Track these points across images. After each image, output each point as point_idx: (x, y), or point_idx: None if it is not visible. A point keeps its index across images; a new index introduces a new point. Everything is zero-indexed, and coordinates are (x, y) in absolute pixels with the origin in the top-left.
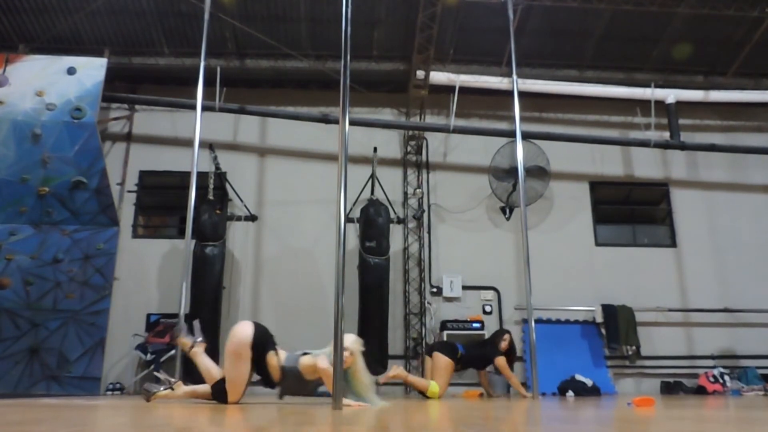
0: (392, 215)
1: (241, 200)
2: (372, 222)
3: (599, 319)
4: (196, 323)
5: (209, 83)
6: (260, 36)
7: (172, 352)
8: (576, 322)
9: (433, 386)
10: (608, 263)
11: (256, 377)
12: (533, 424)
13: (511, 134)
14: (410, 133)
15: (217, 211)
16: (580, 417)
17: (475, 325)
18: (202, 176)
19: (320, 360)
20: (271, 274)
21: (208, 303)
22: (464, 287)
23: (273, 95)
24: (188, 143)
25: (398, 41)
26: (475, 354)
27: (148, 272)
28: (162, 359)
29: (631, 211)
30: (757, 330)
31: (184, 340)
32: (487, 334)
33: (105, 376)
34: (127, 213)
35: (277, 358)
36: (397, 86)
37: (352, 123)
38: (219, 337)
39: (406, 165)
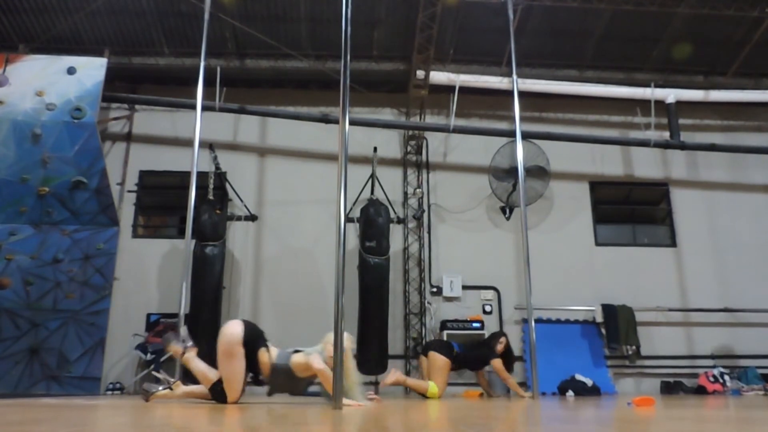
0: (392, 215)
1: (241, 200)
2: (372, 222)
3: (599, 319)
4: (184, 329)
5: (209, 83)
6: (260, 36)
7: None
8: (576, 322)
9: (432, 387)
10: (608, 263)
11: (250, 376)
12: (533, 424)
13: (511, 134)
14: (410, 133)
15: (217, 211)
16: (580, 417)
17: (475, 325)
18: (202, 176)
19: (314, 360)
20: (271, 274)
21: (208, 303)
22: (464, 287)
23: (273, 95)
24: (188, 143)
25: (398, 41)
26: (471, 355)
27: (148, 272)
28: (162, 359)
29: (631, 211)
30: (757, 330)
31: (175, 348)
32: (487, 333)
33: (105, 376)
34: (127, 213)
35: (268, 355)
36: (397, 86)
37: (352, 123)
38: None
39: (406, 165)
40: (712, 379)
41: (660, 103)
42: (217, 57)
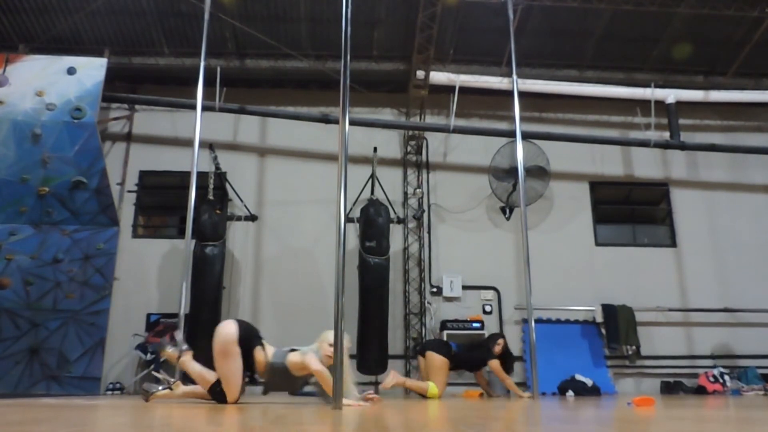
0: (392, 215)
1: (241, 200)
2: (372, 222)
3: (599, 319)
4: (177, 333)
5: (209, 83)
6: (260, 36)
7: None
8: (576, 322)
9: (432, 387)
10: (608, 263)
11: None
12: (533, 424)
13: (511, 134)
14: (410, 133)
15: (217, 211)
16: (580, 417)
17: (475, 325)
18: (202, 176)
19: (310, 360)
20: (271, 274)
21: (208, 303)
22: (464, 287)
23: (273, 95)
24: (188, 143)
25: (398, 41)
26: (469, 356)
27: (148, 272)
28: (162, 359)
29: (631, 211)
30: (757, 330)
31: (170, 353)
32: (487, 333)
33: (105, 376)
34: (127, 213)
35: (264, 354)
36: (397, 86)
37: (352, 123)
38: None
39: (406, 165)
40: (712, 379)
41: (660, 103)
42: (217, 57)
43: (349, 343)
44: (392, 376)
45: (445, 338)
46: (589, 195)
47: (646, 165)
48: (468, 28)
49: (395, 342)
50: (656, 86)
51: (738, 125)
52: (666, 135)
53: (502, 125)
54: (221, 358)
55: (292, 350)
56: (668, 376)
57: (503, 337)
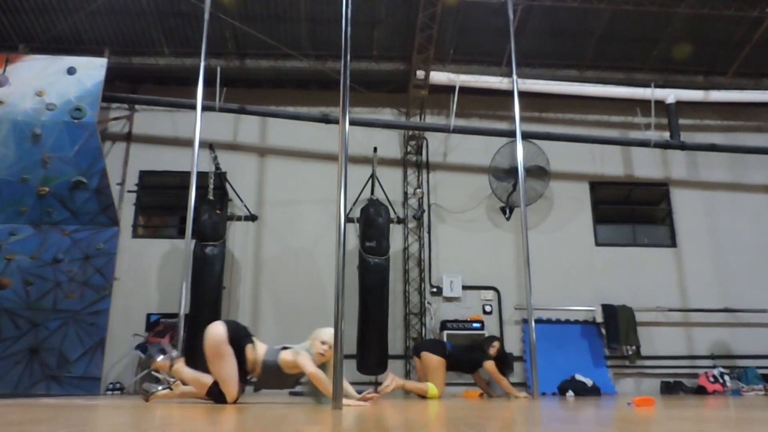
0: (392, 215)
1: (241, 200)
2: (372, 222)
3: (599, 319)
4: (164, 342)
5: (209, 83)
6: (260, 36)
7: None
8: (576, 322)
9: (432, 388)
10: (608, 263)
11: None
12: (533, 424)
13: (511, 134)
14: (410, 133)
15: (217, 211)
16: (580, 417)
17: (475, 325)
18: (202, 176)
19: (304, 362)
20: (271, 274)
21: (208, 303)
22: (464, 287)
23: (273, 95)
24: (188, 143)
25: (398, 41)
26: (464, 357)
27: (148, 272)
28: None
29: (631, 211)
30: (757, 330)
31: (161, 363)
32: (487, 333)
33: (105, 376)
34: (127, 213)
35: (254, 351)
36: (397, 86)
37: (352, 123)
38: None
39: (406, 165)
40: (712, 379)
41: (660, 103)
42: (217, 57)
43: None
44: (390, 379)
45: (445, 338)
46: (589, 195)
47: (646, 165)
48: (468, 28)
49: (395, 342)
50: (656, 86)
51: (738, 125)
52: (666, 135)
53: (502, 125)
54: (214, 360)
55: (284, 348)
56: (668, 376)
57: (499, 339)
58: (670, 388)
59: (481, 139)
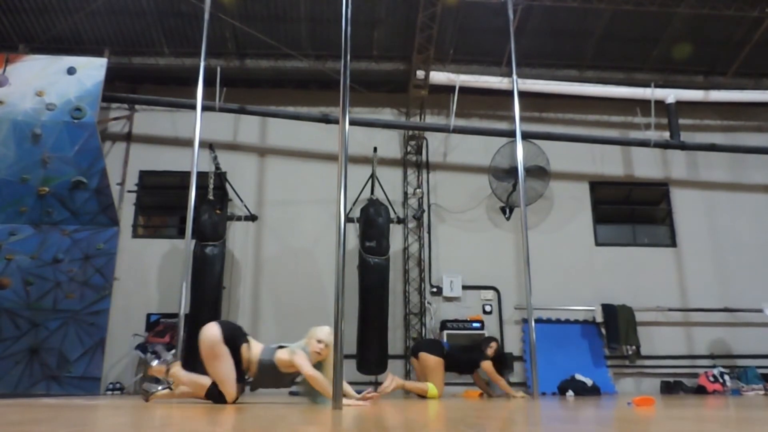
0: (392, 215)
1: (241, 200)
2: (372, 222)
3: (599, 318)
4: (159, 347)
5: (209, 83)
6: (260, 36)
7: (173, 351)
8: (576, 321)
9: (432, 389)
10: (608, 263)
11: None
12: (533, 424)
13: (511, 134)
14: (410, 133)
15: (217, 211)
16: (580, 417)
17: (475, 325)
18: (202, 176)
19: (300, 360)
20: (271, 274)
21: (208, 303)
22: (464, 287)
23: (273, 95)
24: (188, 143)
25: (398, 41)
26: (461, 357)
27: (148, 272)
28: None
29: (631, 211)
30: (757, 330)
31: (157, 368)
32: (487, 333)
33: (105, 376)
34: (127, 213)
35: (250, 351)
36: (397, 86)
37: (352, 123)
38: None
39: (406, 165)
40: (712, 379)
41: (660, 103)
42: (217, 57)
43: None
44: (390, 379)
45: (445, 338)
46: (589, 195)
47: (646, 165)
48: (468, 28)
49: (395, 342)
50: (656, 86)
51: (738, 125)
52: (666, 135)
53: (502, 125)
54: (211, 361)
55: (280, 347)
56: (668, 376)
57: (496, 340)
58: (670, 388)
59: (481, 139)
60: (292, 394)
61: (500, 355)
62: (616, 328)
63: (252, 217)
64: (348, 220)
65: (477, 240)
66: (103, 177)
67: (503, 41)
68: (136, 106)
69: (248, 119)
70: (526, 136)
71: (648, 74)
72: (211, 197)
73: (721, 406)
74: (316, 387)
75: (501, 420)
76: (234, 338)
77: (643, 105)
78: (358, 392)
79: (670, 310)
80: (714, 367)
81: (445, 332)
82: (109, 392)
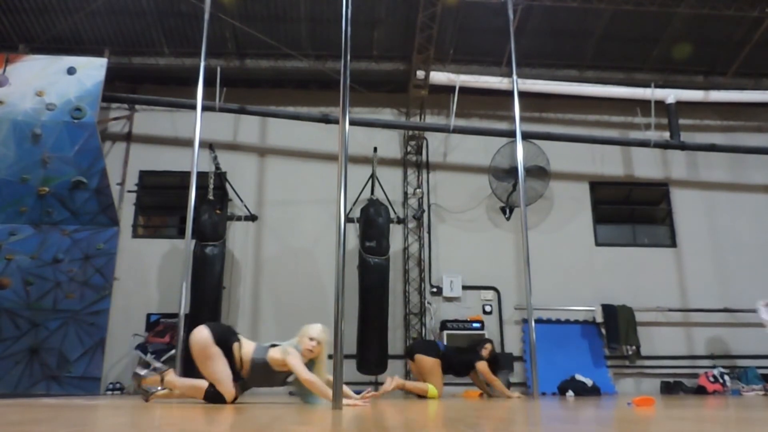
0: (392, 215)
1: (241, 200)
2: (372, 222)
3: (599, 319)
4: (148, 356)
5: (209, 83)
6: (260, 36)
7: (172, 351)
8: (576, 322)
9: (431, 389)
10: (608, 263)
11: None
12: (533, 424)
13: (511, 134)
14: (410, 133)
15: (217, 211)
16: (580, 417)
17: (475, 325)
18: (202, 176)
19: (294, 361)
20: (271, 274)
21: (208, 303)
22: (464, 287)
23: (273, 95)
24: (188, 143)
25: (398, 41)
26: (456, 359)
27: (148, 272)
28: (162, 359)
29: (631, 211)
30: (757, 330)
31: (151, 378)
32: (486, 333)
33: (105, 376)
34: (127, 213)
35: (242, 350)
36: (397, 86)
37: (352, 123)
38: None
39: (406, 165)
40: (712, 379)
41: (660, 103)
42: (217, 57)
43: (329, 336)
44: (391, 380)
45: (445, 339)
46: (589, 195)
47: (646, 165)
48: (468, 28)
49: (395, 342)
50: (656, 86)
51: (738, 125)
52: (666, 135)
53: (502, 125)
54: (204, 362)
55: (273, 345)
56: (668, 376)
57: (491, 341)
58: (670, 388)
59: (481, 139)
60: (291, 394)
61: (495, 356)
62: (616, 328)
63: (252, 217)
64: (348, 220)
65: (477, 240)
66: (103, 177)
67: (503, 41)
68: (136, 106)
69: (248, 119)
70: (526, 136)
71: (648, 74)
72: (211, 197)
73: (721, 407)
74: (314, 391)
75: (500, 420)
76: (225, 338)
77: (643, 105)
78: (358, 392)
79: (670, 310)
80: (714, 367)
81: (445, 332)
82: (109, 392)
